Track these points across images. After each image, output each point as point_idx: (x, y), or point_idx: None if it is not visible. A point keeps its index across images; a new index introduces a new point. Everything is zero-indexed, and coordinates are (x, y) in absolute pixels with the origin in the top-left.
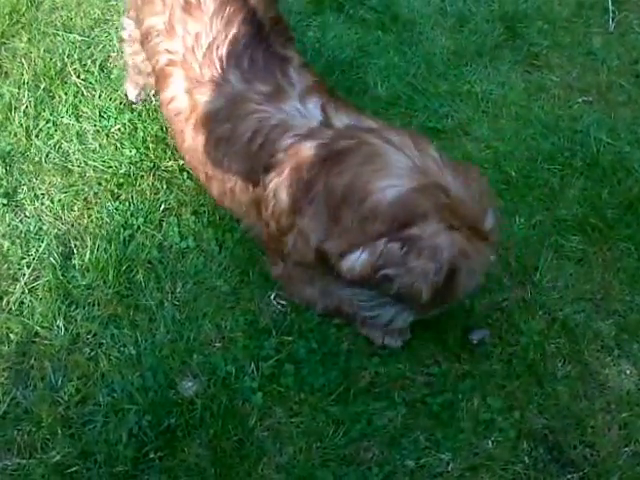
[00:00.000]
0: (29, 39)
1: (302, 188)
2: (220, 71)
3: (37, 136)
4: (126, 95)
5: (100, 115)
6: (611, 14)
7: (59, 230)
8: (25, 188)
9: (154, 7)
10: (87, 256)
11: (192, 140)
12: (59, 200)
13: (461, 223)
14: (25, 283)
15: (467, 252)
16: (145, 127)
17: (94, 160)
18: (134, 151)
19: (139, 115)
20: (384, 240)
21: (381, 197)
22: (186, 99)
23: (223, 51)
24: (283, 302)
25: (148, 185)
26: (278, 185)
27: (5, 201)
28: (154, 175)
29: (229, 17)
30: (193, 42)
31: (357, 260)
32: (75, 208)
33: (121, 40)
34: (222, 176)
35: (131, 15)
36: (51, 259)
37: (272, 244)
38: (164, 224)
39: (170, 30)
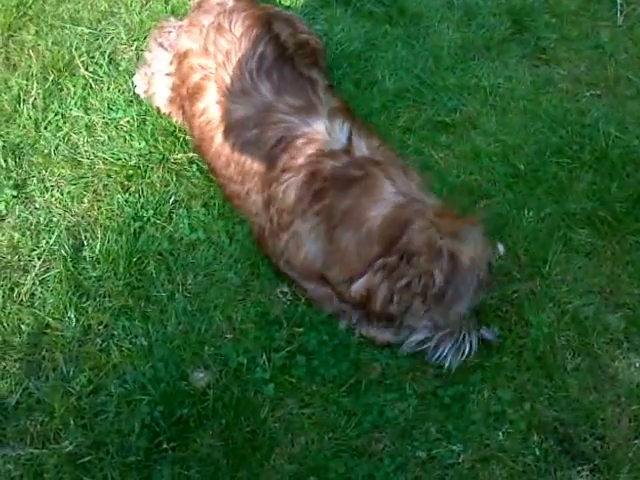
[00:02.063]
0: (37, 31)
1: (310, 194)
2: (250, 82)
3: (46, 128)
4: (133, 87)
5: (109, 107)
6: (619, 7)
7: (69, 222)
8: (35, 180)
9: (192, 35)
10: (97, 248)
11: (220, 145)
12: (69, 192)
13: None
14: (36, 274)
15: (457, 232)
16: (154, 120)
17: (103, 152)
18: (143, 143)
19: (148, 108)
20: (381, 260)
21: (373, 223)
22: (217, 108)
23: (252, 65)
24: (290, 298)
25: (158, 177)
26: (291, 184)
27: (15, 193)
28: (164, 167)
29: (256, 38)
30: (224, 58)
31: (362, 284)
32: (85, 200)
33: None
34: (242, 177)
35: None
36: (62, 251)
37: (270, 241)
38: (174, 216)
39: (205, 50)
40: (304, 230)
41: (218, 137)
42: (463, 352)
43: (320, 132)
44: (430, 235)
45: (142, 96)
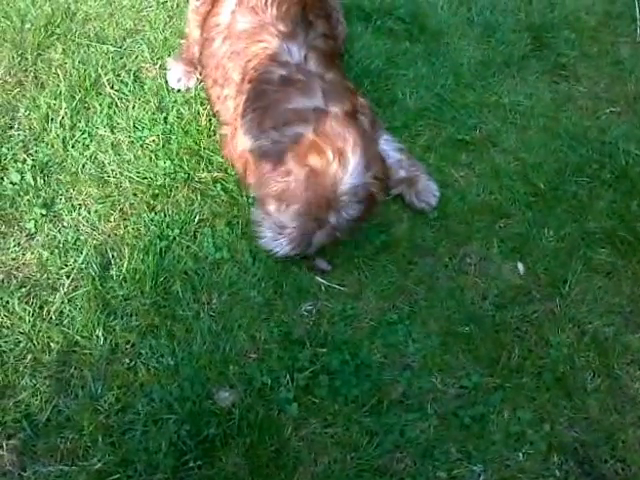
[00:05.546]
0: (64, 50)
1: (253, 95)
2: (263, 5)
3: (73, 147)
4: (166, 82)
5: (134, 126)
6: (639, 23)
7: (97, 241)
8: (63, 199)
9: None
10: (125, 267)
11: (217, 49)
12: (96, 211)
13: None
14: (65, 293)
15: (342, 151)
16: (179, 139)
17: (129, 171)
18: (168, 162)
19: (172, 126)
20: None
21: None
22: (229, 16)
23: None
24: (313, 318)
25: (183, 196)
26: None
27: (44, 212)
28: (188, 187)
29: None
30: None
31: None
32: (112, 219)
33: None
34: (224, 82)
35: None
36: (90, 270)
37: (231, 144)
38: (199, 235)
39: None
40: (241, 125)
41: (218, 40)
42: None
43: (286, 52)
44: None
45: None
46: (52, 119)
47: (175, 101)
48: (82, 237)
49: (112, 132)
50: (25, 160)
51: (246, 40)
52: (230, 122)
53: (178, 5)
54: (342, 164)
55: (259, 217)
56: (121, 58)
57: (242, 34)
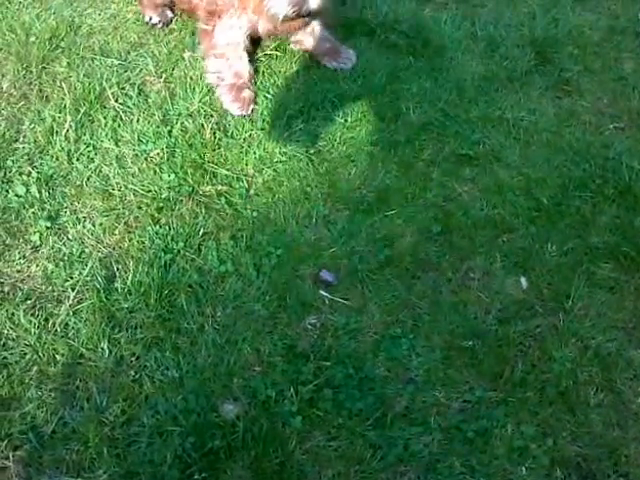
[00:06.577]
0: (68, 63)
1: None
2: None
3: (78, 160)
4: (147, 23)
5: (139, 139)
6: None
7: (101, 253)
8: (67, 211)
9: None
10: (129, 279)
11: None
12: (100, 224)
13: None
14: (70, 305)
15: None
16: (183, 152)
17: (134, 184)
18: (173, 176)
19: (177, 140)
20: None
21: None
22: None
23: None
24: (317, 332)
25: (187, 210)
26: None
27: (49, 224)
28: (193, 200)
29: None
30: None
31: None
32: (116, 232)
33: None
34: None
35: None
36: (95, 282)
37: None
38: (203, 248)
39: None
40: None
41: None
42: None
43: None
44: None
45: None
46: (57, 132)
47: (179, 114)
48: (87, 250)
49: (116, 145)
50: (30, 173)
51: None
52: None
53: (181, 18)
54: None
55: None
56: (125, 71)
57: None
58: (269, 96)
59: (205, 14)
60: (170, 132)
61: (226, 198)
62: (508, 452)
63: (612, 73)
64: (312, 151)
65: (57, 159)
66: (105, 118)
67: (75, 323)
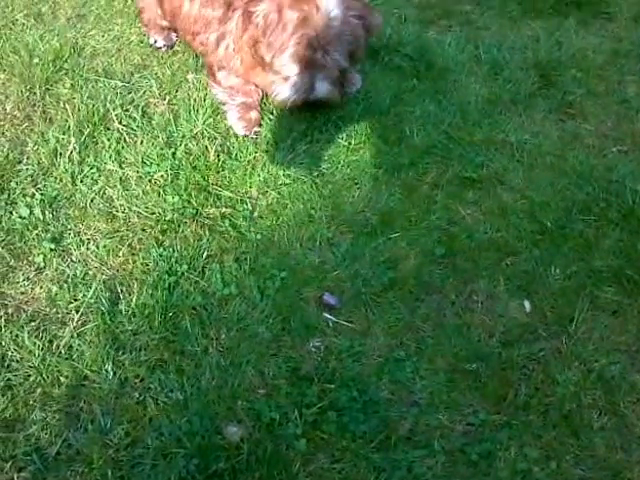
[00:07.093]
0: (72, 85)
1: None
2: None
3: (82, 181)
4: (151, 45)
5: (142, 161)
6: None
7: (105, 275)
8: (71, 233)
9: None
10: (134, 302)
11: (187, 10)
12: (104, 246)
13: None
14: (74, 327)
15: None
16: (187, 174)
17: (138, 206)
18: (177, 198)
19: (180, 162)
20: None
21: None
22: None
23: None
24: (321, 355)
25: (191, 232)
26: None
27: (53, 246)
28: (196, 222)
29: None
30: None
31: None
32: (120, 254)
33: None
34: (205, 27)
35: None
36: (99, 304)
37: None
38: (207, 271)
39: None
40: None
41: (186, 4)
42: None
43: None
44: None
45: None
46: (61, 154)
47: (183, 136)
48: (91, 272)
49: (120, 167)
50: (34, 194)
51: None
52: (213, 51)
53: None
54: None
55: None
56: (129, 93)
57: None
58: (273, 118)
59: (209, 64)
60: (174, 154)
61: (230, 220)
62: (512, 475)
63: (616, 96)
64: (316, 174)
65: (61, 181)
66: (109, 140)
67: (79, 345)
